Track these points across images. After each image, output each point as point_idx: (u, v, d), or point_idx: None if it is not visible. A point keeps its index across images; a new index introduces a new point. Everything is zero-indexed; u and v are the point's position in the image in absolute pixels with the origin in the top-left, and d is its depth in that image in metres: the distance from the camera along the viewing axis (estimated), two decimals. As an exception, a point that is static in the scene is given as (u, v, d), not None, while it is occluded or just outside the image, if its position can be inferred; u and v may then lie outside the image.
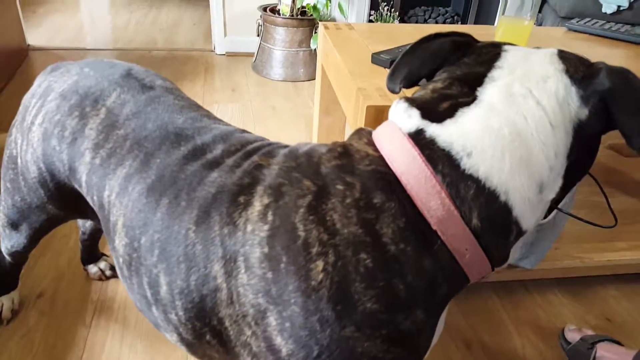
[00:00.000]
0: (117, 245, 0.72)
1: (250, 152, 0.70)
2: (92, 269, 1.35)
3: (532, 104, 0.58)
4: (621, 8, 2.54)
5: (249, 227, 0.59)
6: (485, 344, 1.25)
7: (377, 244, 0.55)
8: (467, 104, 0.59)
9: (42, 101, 0.83)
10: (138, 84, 0.82)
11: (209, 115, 0.80)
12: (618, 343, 1.18)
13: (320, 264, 0.55)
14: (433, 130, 0.58)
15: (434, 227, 0.56)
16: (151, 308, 0.69)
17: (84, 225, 1.27)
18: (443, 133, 0.57)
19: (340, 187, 0.58)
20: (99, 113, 0.77)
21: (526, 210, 0.57)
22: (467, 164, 0.56)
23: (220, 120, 0.81)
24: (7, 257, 1.07)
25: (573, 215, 0.88)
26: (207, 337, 0.65)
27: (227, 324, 0.62)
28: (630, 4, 2.53)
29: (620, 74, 0.58)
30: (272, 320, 0.57)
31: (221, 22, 3.02)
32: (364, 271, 0.54)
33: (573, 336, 1.23)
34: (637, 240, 1.44)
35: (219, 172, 0.66)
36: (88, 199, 0.79)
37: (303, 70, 2.82)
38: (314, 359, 0.55)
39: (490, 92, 0.59)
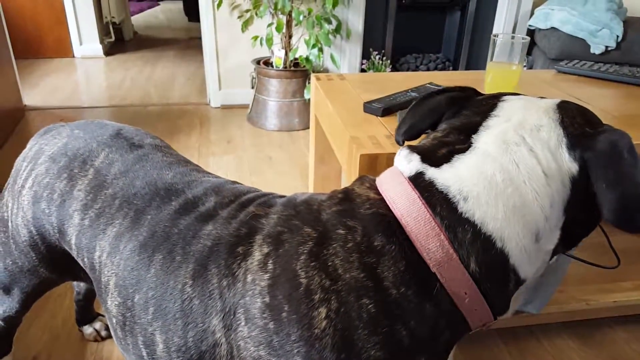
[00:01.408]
0: (109, 306, 0.70)
1: (244, 203, 0.69)
2: (88, 329, 1.32)
3: (525, 152, 0.58)
4: (609, 48, 2.60)
5: (249, 278, 0.59)
6: (494, 394, 1.21)
7: (379, 288, 0.54)
8: (463, 150, 0.60)
9: (33, 164, 0.82)
10: (126, 143, 0.82)
11: (198, 169, 0.80)
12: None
13: (323, 311, 0.54)
14: (432, 173, 0.58)
15: (433, 270, 0.55)
16: None
17: (79, 285, 1.25)
18: (441, 177, 0.58)
19: (341, 231, 0.58)
20: (87, 174, 0.77)
21: (523, 258, 0.57)
22: (464, 207, 0.56)
23: (209, 173, 0.81)
24: (0, 323, 1.04)
25: (575, 257, 0.87)
26: None
27: None
28: (618, 44, 2.59)
29: (611, 143, 0.57)
30: None
31: (215, 76, 3.07)
32: (366, 317, 0.54)
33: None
34: (642, 279, 1.41)
35: (214, 224, 0.66)
36: (79, 260, 0.77)
37: (298, 119, 2.84)
38: None
39: (484, 139, 0.60)
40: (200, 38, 3.05)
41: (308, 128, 2.84)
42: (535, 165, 0.57)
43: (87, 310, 1.31)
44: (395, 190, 0.59)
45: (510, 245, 0.56)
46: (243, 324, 0.57)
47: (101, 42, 4.33)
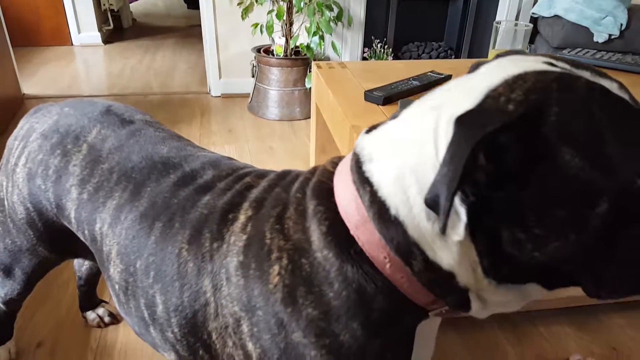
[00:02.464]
0: (112, 274, 0.74)
1: (242, 176, 0.73)
2: (91, 315, 1.33)
3: (431, 118, 0.51)
4: (612, 37, 2.58)
5: (232, 239, 0.63)
6: (492, 379, 1.23)
7: (310, 250, 0.57)
8: (395, 117, 0.58)
9: (25, 142, 0.84)
10: (118, 119, 0.84)
11: (192, 144, 0.83)
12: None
13: (276, 268, 0.58)
14: (361, 140, 0.60)
15: (352, 233, 0.55)
16: (149, 329, 0.72)
17: (80, 270, 1.26)
18: (362, 141, 0.59)
19: (298, 195, 0.62)
20: (81, 149, 0.79)
21: (421, 236, 0.51)
22: (367, 167, 0.55)
23: (203, 149, 0.83)
24: (2, 306, 1.05)
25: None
26: (200, 352, 0.67)
27: (214, 337, 0.64)
28: (621, 33, 2.57)
29: (460, 122, 0.45)
30: (245, 327, 0.60)
31: (216, 65, 3.07)
32: (304, 275, 0.57)
33: (580, 367, 1.21)
34: (640, 267, 1.42)
35: (212, 194, 0.70)
36: (79, 234, 0.80)
37: (299, 109, 2.84)
38: None
39: (414, 105, 0.56)
40: (200, 26, 3.04)
41: (309, 117, 2.84)
42: (431, 132, 0.50)
43: (90, 296, 1.32)
44: (344, 161, 0.62)
45: (402, 214, 0.51)
46: (225, 283, 0.61)
47: (99, 29, 4.32)
